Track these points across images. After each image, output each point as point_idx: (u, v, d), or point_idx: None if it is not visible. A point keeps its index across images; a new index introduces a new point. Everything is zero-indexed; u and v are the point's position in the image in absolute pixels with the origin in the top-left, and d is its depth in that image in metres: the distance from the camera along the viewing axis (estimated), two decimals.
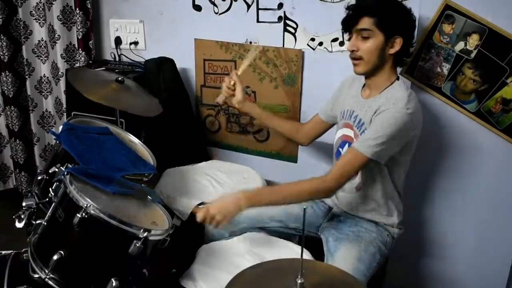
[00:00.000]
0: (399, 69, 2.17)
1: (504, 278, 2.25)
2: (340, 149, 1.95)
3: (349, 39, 1.84)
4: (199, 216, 1.65)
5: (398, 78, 1.84)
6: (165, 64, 2.61)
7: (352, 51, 1.80)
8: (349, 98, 1.96)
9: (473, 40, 2.04)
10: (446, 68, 2.12)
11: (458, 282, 2.39)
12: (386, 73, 1.82)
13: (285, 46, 2.42)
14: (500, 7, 1.97)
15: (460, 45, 2.06)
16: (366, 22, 1.74)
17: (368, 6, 1.76)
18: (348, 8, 1.81)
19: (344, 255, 1.75)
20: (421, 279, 2.47)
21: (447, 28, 2.07)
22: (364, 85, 1.92)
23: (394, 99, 1.74)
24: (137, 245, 1.43)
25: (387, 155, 1.73)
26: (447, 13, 2.05)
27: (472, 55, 2.05)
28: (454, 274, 2.39)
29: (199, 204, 2.02)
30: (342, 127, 1.96)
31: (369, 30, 1.74)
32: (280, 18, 2.40)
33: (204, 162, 2.48)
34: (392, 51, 1.77)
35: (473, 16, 2.01)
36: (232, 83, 2.14)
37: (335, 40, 2.29)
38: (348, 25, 1.81)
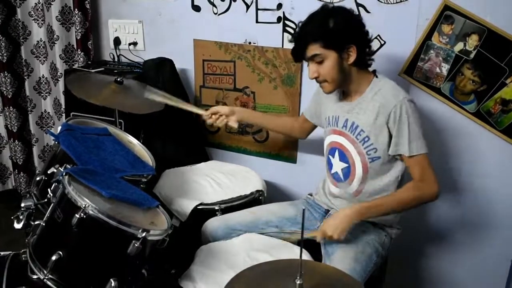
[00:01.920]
0: (397, 70, 2.19)
1: (504, 278, 2.25)
2: (331, 157, 1.95)
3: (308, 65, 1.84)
4: (318, 238, 1.75)
5: (376, 76, 1.85)
6: (164, 65, 2.60)
7: (315, 78, 1.82)
8: (331, 104, 1.96)
9: (472, 41, 2.04)
10: (445, 68, 2.12)
11: (458, 282, 2.39)
12: (358, 79, 1.84)
13: (284, 47, 2.42)
14: (499, 8, 1.97)
15: (459, 46, 2.06)
16: (313, 49, 1.76)
17: (309, 33, 1.77)
18: (292, 40, 1.83)
19: (341, 256, 1.75)
20: (420, 280, 2.47)
21: (446, 28, 2.07)
22: (344, 91, 1.92)
23: (390, 92, 1.77)
24: (136, 245, 1.43)
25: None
26: (446, 14, 2.05)
27: (471, 55, 2.05)
28: (454, 274, 2.39)
29: (198, 205, 2.02)
30: (329, 134, 1.96)
31: (320, 54, 1.76)
32: (279, 18, 2.39)
33: (203, 163, 2.48)
34: (350, 61, 1.77)
35: (472, 16, 2.01)
36: (212, 116, 2.15)
37: None
38: (299, 56, 1.83)
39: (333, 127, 1.93)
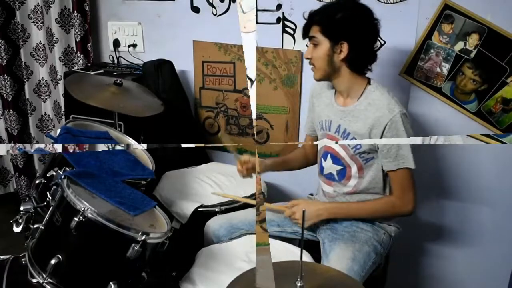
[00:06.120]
0: (397, 70, 2.18)
1: (506, 278, 2.24)
2: (323, 160, 1.95)
3: None
4: (286, 213, 1.88)
5: (369, 82, 1.83)
6: (163, 67, 2.60)
7: (308, 59, 1.84)
8: (323, 107, 1.95)
9: (473, 40, 2.03)
10: (445, 68, 2.11)
11: (459, 282, 2.39)
12: (349, 80, 1.82)
13: (284, 47, 2.42)
14: (499, 7, 1.96)
15: (460, 45, 2.06)
16: (314, 30, 1.78)
17: (315, 13, 1.80)
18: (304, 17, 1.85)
19: (338, 255, 1.75)
20: (421, 280, 2.46)
21: (446, 28, 2.06)
22: (336, 91, 1.91)
23: (385, 105, 1.75)
24: (136, 248, 1.42)
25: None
26: (446, 13, 2.04)
27: (472, 54, 2.04)
28: (455, 274, 2.38)
29: (198, 207, 2.01)
30: (322, 137, 1.97)
31: (316, 38, 1.78)
32: (278, 19, 2.39)
33: (203, 165, 2.48)
34: (340, 57, 1.77)
35: (472, 15, 2.00)
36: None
37: None
38: (304, 33, 1.85)
39: (326, 131, 1.93)
